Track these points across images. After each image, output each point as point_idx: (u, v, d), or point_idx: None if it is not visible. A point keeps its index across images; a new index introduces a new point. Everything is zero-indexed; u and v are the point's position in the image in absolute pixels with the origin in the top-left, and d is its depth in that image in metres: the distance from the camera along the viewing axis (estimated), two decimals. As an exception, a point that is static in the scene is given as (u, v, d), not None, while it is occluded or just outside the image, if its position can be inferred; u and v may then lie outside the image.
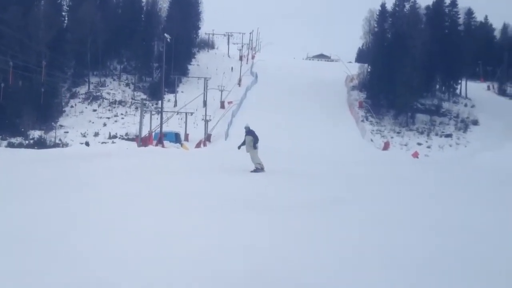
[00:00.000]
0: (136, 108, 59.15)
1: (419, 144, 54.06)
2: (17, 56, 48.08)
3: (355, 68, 77.54)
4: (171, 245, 5.46)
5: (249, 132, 16.32)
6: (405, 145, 53.73)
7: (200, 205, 8.42)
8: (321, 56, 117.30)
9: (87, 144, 40.80)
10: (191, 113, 54.10)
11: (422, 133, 57.86)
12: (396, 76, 58.77)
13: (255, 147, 15.70)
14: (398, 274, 4.75)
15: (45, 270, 4.45)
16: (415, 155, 44.56)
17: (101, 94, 65.67)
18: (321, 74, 76.43)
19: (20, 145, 41.46)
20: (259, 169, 15.21)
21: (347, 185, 12.16)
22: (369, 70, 71.01)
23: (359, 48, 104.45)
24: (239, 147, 16.79)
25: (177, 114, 53.69)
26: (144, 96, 64.26)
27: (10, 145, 40.73)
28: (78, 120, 57.79)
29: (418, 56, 58.89)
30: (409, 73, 57.82)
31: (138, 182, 10.63)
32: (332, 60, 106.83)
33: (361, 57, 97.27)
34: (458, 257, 5.60)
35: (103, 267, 4.59)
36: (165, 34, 43.35)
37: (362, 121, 58.97)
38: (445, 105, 64.58)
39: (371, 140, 52.35)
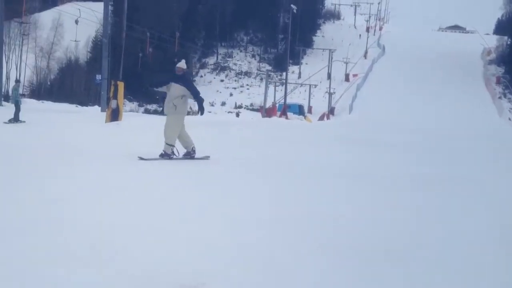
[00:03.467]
0: (261, 79, 60.25)
1: None
2: (153, 28, 51.06)
3: (493, 41, 71.88)
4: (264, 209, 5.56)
5: (182, 78, 8.87)
6: (549, 125, 48.99)
7: (292, 173, 8.44)
8: (455, 28, 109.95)
9: (237, 115, 42.50)
10: (315, 85, 53.93)
11: None
12: (542, 49, 53.50)
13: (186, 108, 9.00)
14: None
15: (88, 240, 4.12)
16: (560, 137, 40.55)
17: (228, 65, 67.81)
18: (454, 47, 71.81)
19: (155, 112, 44.35)
20: (168, 154, 8.62)
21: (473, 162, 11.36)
22: (509, 43, 65.43)
23: (498, 19, 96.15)
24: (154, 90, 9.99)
25: (301, 86, 53.81)
26: (269, 68, 65.30)
27: (147, 112, 43.71)
28: (207, 89, 60.22)
29: None
30: (557, 46, 52.30)
31: (253, 150, 10.95)
32: (468, 32, 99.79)
33: (500, 29, 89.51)
34: None
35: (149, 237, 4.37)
36: (291, 5, 43.33)
37: (500, 98, 54.73)
38: None
39: (509, 119, 48.46)
